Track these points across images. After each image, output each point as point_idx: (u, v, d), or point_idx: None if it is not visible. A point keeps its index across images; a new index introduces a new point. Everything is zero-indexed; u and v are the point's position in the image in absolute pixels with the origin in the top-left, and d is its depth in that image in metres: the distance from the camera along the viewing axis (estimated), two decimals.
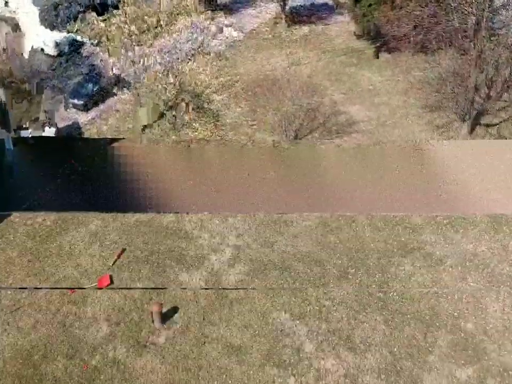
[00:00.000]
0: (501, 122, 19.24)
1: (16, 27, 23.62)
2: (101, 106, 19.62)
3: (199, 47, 22.93)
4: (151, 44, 22.54)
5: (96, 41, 21.21)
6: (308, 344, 12.27)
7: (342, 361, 11.95)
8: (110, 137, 18.67)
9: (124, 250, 14.40)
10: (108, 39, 21.77)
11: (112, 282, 13.60)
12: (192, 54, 22.48)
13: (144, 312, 12.88)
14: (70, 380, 11.68)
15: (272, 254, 14.38)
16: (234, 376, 11.71)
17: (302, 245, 14.69)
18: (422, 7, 21.18)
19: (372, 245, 14.66)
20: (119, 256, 14.22)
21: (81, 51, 21.02)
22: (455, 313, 12.91)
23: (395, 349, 12.16)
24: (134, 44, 21.87)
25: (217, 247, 14.59)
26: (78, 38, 21.55)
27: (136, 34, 22.28)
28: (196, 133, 18.99)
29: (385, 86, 21.55)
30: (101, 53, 21.07)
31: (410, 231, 15.05)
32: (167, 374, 11.72)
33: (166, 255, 14.32)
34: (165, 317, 12.74)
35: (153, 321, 12.52)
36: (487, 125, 19.10)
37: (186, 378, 11.65)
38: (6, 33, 22.10)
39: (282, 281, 13.62)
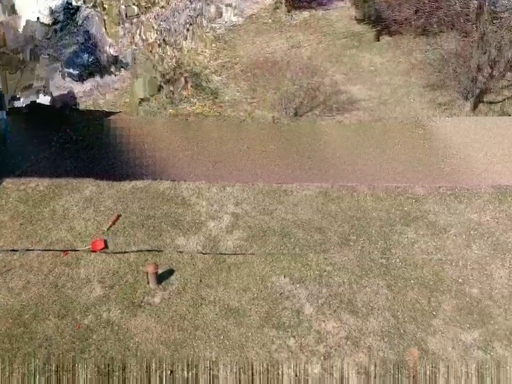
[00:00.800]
0: (504, 100, 18.94)
1: (12, 9, 23.22)
2: (97, 78, 19.23)
3: (198, 15, 22.58)
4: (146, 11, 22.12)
5: (91, 3, 20.74)
6: (308, 307, 11.81)
7: (343, 324, 11.52)
8: (106, 110, 18.29)
9: (119, 216, 13.99)
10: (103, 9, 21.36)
11: (106, 247, 13.14)
12: (190, 24, 22.14)
13: (139, 274, 12.44)
14: (62, 339, 11.20)
15: (272, 221, 13.99)
16: (232, 337, 11.28)
17: (302, 213, 14.30)
18: None
19: (374, 213, 14.29)
20: (114, 222, 13.81)
21: (77, 18, 20.60)
22: (460, 280, 12.50)
23: (398, 313, 11.75)
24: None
25: (215, 214, 14.20)
26: (73, 1, 21.08)
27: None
28: (194, 108, 18.61)
29: (387, 67, 21.25)
30: (97, 18, 20.63)
31: (413, 201, 14.69)
32: (162, 333, 11.27)
33: (162, 220, 13.94)
34: (161, 278, 12.29)
35: (148, 282, 12.08)
36: (490, 103, 18.79)
37: (182, 337, 11.21)
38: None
39: (282, 247, 13.21)
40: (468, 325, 11.59)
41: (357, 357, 10.89)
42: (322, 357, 10.87)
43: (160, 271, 12.36)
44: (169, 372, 10.43)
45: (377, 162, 16.33)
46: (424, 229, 13.75)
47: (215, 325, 11.52)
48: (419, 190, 15.11)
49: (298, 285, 12.30)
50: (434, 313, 11.82)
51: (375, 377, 10.57)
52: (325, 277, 12.51)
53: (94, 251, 12.98)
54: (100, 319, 11.56)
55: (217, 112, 18.53)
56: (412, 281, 12.44)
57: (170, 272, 12.55)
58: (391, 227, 13.84)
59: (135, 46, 20.61)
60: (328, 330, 11.45)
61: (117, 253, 12.91)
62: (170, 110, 18.39)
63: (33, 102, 17.88)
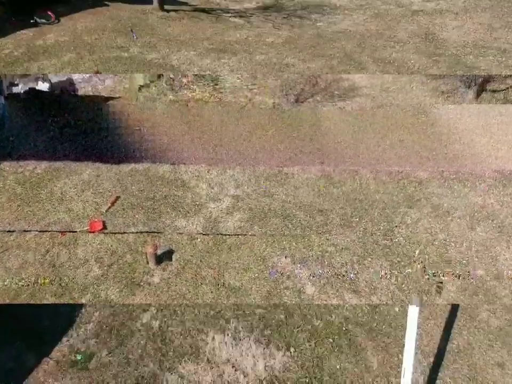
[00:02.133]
0: (508, 88, 18.74)
1: None
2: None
3: None
4: None
5: None
6: (310, 287, 11.58)
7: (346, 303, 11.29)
8: (105, 95, 18.09)
9: (118, 198, 13.76)
10: None
11: (105, 228, 12.92)
12: None
13: (138, 254, 12.19)
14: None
15: (273, 203, 13.77)
16: None
17: (303, 195, 14.08)
18: None
19: (377, 196, 14.07)
20: (113, 204, 13.58)
21: None
22: (464, 261, 12.27)
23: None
24: None
25: (215, 196, 13.98)
26: None
27: None
28: (194, 94, 18.39)
29: None
30: None
31: (416, 184, 14.47)
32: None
33: (162, 202, 13.71)
34: (160, 259, 12.07)
35: (147, 263, 11.86)
36: (494, 91, 18.59)
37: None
38: None
39: (283, 228, 12.97)
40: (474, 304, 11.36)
41: None
42: None
43: (159, 252, 12.12)
44: None
45: (379, 147, 16.12)
46: (428, 210, 13.53)
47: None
48: (422, 174, 14.90)
49: (299, 265, 12.04)
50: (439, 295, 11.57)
51: None
52: (327, 257, 12.25)
53: (92, 232, 12.73)
54: (98, 298, 11.29)
55: (218, 98, 18.30)
56: (415, 260, 12.18)
57: (170, 252, 12.32)
58: (394, 209, 13.61)
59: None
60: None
61: (115, 233, 12.65)
62: (170, 96, 18.16)
63: (32, 89, 17.67)
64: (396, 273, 11.86)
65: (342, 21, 20.29)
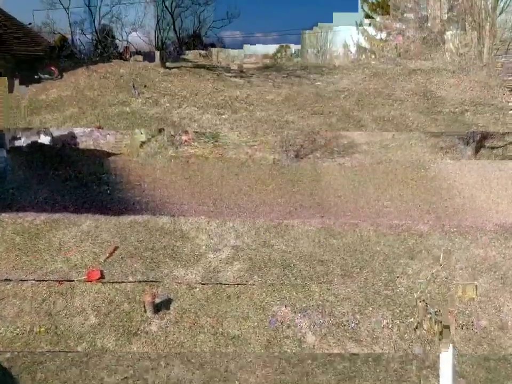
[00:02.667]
0: (506, 145, 18.90)
1: None
2: None
3: None
4: None
5: None
6: (311, 336, 11.36)
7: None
8: (106, 150, 18.24)
9: (116, 248, 13.68)
10: None
11: (103, 277, 12.78)
12: None
13: (136, 303, 12.00)
14: (55, 367, 10.69)
15: (273, 253, 13.67)
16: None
17: (303, 246, 14.00)
18: None
19: (378, 247, 13.97)
20: (111, 254, 13.48)
21: None
22: (467, 311, 12.08)
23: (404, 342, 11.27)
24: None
25: (215, 247, 13.89)
26: None
27: None
28: (195, 150, 18.53)
29: None
30: None
31: (417, 236, 14.39)
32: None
33: (161, 252, 13.60)
34: (158, 308, 11.88)
35: (145, 311, 11.67)
36: (492, 147, 18.75)
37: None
38: None
39: (283, 278, 12.82)
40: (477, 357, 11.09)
41: None
42: None
43: (157, 301, 11.94)
44: None
45: (379, 201, 16.14)
46: (430, 261, 13.39)
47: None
48: (423, 227, 14.84)
49: (300, 314, 11.84)
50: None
51: None
52: (328, 307, 12.06)
53: (90, 281, 12.58)
54: (94, 346, 11.06)
55: (219, 154, 18.43)
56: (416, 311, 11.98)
57: (168, 301, 12.13)
58: (395, 260, 13.49)
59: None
60: None
61: (113, 282, 12.49)
62: (171, 152, 18.30)
63: (34, 142, 17.84)
64: (398, 322, 11.63)
65: (340, 80, 20.64)
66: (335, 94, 19.37)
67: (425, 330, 10.59)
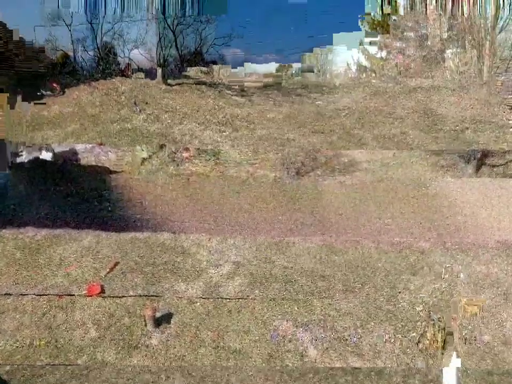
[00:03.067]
0: (507, 162, 18.90)
1: None
2: None
3: None
4: None
5: None
6: (312, 350, 11.28)
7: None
8: (108, 167, 18.25)
9: (117, 263, 13.64)
10: None
11: (103, 292, 12.72)
12: None
13: (136, 317, 11.93)
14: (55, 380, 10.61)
15: (274, 269, 13.63)
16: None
17: (305, 262, 13.96)
18: None
19: (379, 264, 13.93)
20: (112, 269, 13.43)
21: None
22: (470, 326, 12.00)
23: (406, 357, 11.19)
24: None
25: (216, 262, 13.84)
26: None
27: None
28: (196, 168, 18.54)
29: None
30: None
31: (419, 253, 14.35)
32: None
33: (162, 267, 13.55)
34: (159, 322, 11.81)
35: (146, 325, 11.60)
36: (493, 166, 18.75)
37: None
38: None
39: (284, 293, 12.76)
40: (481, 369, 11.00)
41: None
42: None
43: (158, 315, 11.87)
44: None
45: (380, 219, 16.10)
46: (431, 277, 13.34)
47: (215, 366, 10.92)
48: (424, 244, 14.81)
49: (301, 329, 11.76)
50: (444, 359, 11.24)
51: None
52: (330, 321, 11.98)
53: (90, 295, 12.51)
54: (94, 359, 10.97)
55: (220, 172, 18.44)
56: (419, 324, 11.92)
57: (169, 315, 12.06)
58: (397, 276, 13.44)
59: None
60: None
61: (113, 297, 12.43)
62: (171, 169, 18.30)
63: (36, 158, 17.86)
64: (400, 337, 11.55)
65: (341, 98, 20.71)
66: (336, 112, 19.44)
67: (428, 340, 10.48)
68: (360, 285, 13.09)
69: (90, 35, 25.21)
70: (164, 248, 14.20)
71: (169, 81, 22.20)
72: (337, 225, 15.77)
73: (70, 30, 24.72)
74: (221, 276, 13.26)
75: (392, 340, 11.44)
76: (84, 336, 11.54)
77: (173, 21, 26.17)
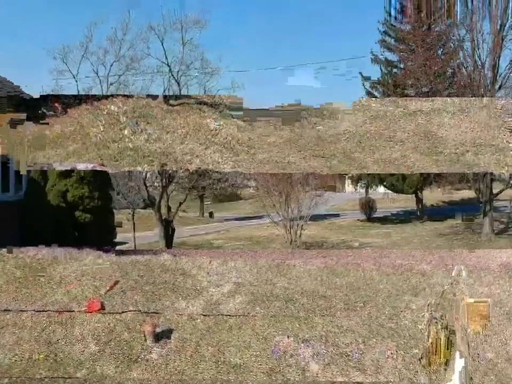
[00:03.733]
0: None
1: None
2: None
3: None
4: None
5: None
6: (314, 365, 11.15)
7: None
8: None
9: (117, 282, 13.61)
10: None
11: (103, 308, 12.65)
12: None
13: (136, 333, 11.84)
14: None
15: (275, 289, 13.60)
16: None
17: (306, 284, 13.94)
18: None
19: (381, 286, 13.92)
20: (112, 287, 13.38)
21: None
22: (473, 344, 11.90)
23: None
24: None
25: (216, 283, 13.81)
26: None
27: None
28: None
29: None
30: None
31: (420, 275, 14.36)
32: None
33: (162, 286, 13.52)
34: (159, 337, 11.71)
35: (145, 340, 11.50)
36: None
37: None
38: None
39: (285, 311, 12.69)
40: None
41: None
42: None
43: (158, 330, 11.78)
44: None
45: (382, 244, 16.15)
46: (433, 297, 13.24)
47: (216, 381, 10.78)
48: (426, 267, 14.81)
49: (303, 345, 11.65)
50: (447, 375, 11.11)
51: None
52: (331, 337, 11.88)
53: (90, 312, 12.43)
54: (94, 373, 10.84)
55: None
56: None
57: (169, 331, 11.98)
58: (399, 297, 13.40)
59: None
60: None
61: (113, 313, 12.35)
62: None
63: None
64: (403, 353, 11.44)
65: (341, 122, 20.80)
66: (336, 137, 19.54)
67: (431, 339, 10.37)
68: (361, 304, 13.03)
69: (96, 86, 25.88)
70: (164, 269, 14.24)
71: (171, 102, 22.33)
72: (339, 250, 15.77)
73: (76, 81, 25.47)
74: (222, 294, 13.21)
75: (394, 356, 11.32)
76: (84, 351, 11.42)
77: (177, 72, 26.90)
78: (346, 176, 58.76)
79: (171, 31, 27.16)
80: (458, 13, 33.09)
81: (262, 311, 12.53)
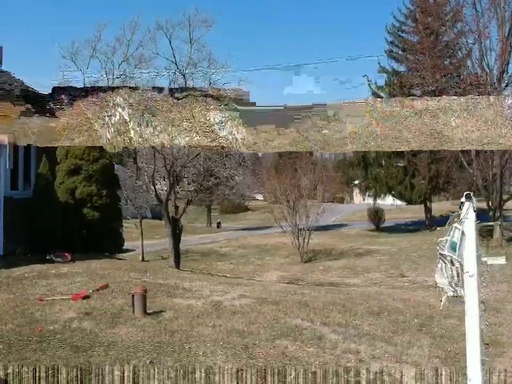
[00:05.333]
0: None
1: None
2: None
3: None
4: None
5: None
6: None
7: None
8: None
9: (107, 285, 12.97)
10: None
11: (88, 297, 11.98)
12: None
13: (124, 309, 11.06)
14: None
15: None
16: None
17: None
18: None
19: None
20: (101, 288, 12.71)
21: None
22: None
23: None
24: None
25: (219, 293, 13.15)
26: None
27: None
28: None
29: None
30: None
31: None
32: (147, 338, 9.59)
33: (157, 289, 12.87)
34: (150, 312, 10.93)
35: (133, 310, 10.73)
36: None
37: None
38: None
39: None
40: None
41: None
42: None
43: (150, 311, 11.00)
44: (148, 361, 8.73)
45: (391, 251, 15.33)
46: None
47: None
48: None
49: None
50: None
51: None
52: None
53: (74, 300, 11.75)
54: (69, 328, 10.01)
55: None
56: None
57: (161, 311, 11.26)
58: None
59: None
60: None
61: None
62: None
63: None
64: None
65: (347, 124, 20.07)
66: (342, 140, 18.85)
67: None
68: None
69: (103, 79, 25.77)
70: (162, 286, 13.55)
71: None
72: None
73: (83, 74, 25.39)
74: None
75: None
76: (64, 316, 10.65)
77: (185, 69, 26.80)
78: (354, 185, 58.04)
79: (179, 29, 27.21)
80: (466, 17, 32.47)
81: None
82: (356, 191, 70.07)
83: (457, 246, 4.22)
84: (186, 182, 34.02)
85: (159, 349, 9.08)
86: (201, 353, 8.93)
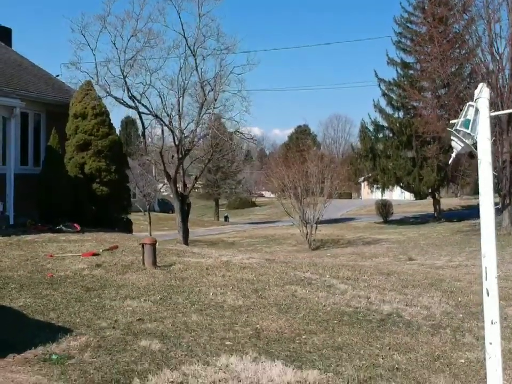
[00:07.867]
0: None
1: None
2: None
3: None
4: None
5: None
6: None
7: None
8: None
9: (117, 246, 13.02)
10: None
11: (98, 254, 12.03)
12: None
13: (134, 263, 11.10)
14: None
15: None
16: None
17: None
18: None
19: None
20: (110, 249, 12.74)
21: None
22: None
23: None
24: None
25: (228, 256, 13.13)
26: None
27: None
28: None
29: None
30: None
31: None
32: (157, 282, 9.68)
33: (167, 252, 12.95)
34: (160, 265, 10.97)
35: (143, 262, 10.79)
36: None
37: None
38: None
39: None
40: None
41: None
42: None
43: (160, 265, 11.04)
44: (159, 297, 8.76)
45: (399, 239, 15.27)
46: None
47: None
48: None
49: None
50: None
51: None
52: None
53: (85, 256, 11.80)
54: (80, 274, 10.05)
55: None
56: None
57: (171, 264, 11.30)
58: None
59: None
60: None
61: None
62: None
63: None
64: None
65: None
66: None
67: None
68: None
69: (115, 66, 26.00)
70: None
71: None
72: None
73: (94, 55, 25.63)
74: None
75: None
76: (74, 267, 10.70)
77: (194, 45, 27.00)
78: (362, 178, 57.77)
79: (187, 1, 27.16)
80: (476, 3, 32.16)
81: None
82: (364, 185, 69.90)
83: (471, 122, 4.23)
84: (194, 159, 34.37)
85: (170, 290, 9.11)
86: (211, 294, 8.93)
